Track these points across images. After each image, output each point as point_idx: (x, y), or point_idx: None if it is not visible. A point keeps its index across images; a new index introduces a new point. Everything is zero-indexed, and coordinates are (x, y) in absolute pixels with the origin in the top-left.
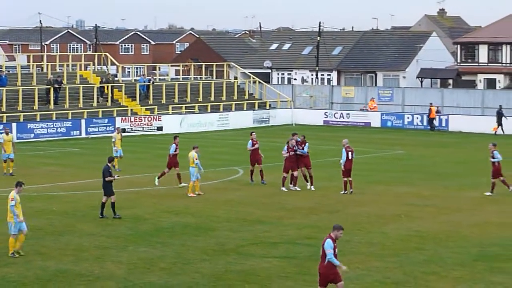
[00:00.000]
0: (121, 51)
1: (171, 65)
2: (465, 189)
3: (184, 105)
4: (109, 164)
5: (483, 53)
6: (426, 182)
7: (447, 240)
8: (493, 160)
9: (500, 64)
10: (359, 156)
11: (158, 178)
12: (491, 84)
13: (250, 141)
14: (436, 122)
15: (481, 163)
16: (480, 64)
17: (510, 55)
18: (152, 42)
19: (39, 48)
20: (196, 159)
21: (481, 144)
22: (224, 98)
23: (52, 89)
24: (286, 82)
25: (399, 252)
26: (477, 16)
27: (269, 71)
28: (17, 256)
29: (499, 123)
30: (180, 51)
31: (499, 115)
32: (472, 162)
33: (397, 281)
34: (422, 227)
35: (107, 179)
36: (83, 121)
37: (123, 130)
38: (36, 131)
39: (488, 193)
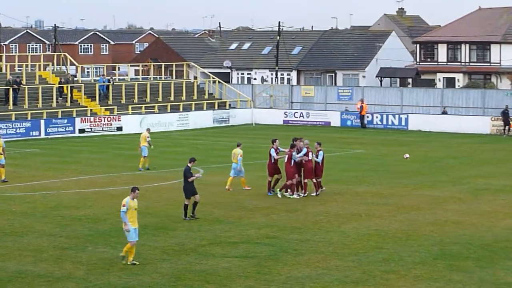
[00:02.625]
0: (81, 51)
1: (131, 65)
2: (424, 187)
3: (143, 105)
4: (190, 165)
5: (442, 52)
6: (385, 181)
7: (406, 239)
8: (316, 159)
9: (459, 63)
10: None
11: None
12: (450, 83)
13: (273, 149)
14: (397, 120)
15: (440, 161)
16: (439, 63)
17: (469, 54)
18: (112, 42)
19: None
20: (241, 156)
21: (440, 143)
22: (183, 98)
23: (11, 90)
24: (246, 81)
25: (359, 251)
26: (436, 16)
27: (229, 70)
28: (137, 263)
29: (507, 123)
30: (140, 51)
31: (505, 114)
32: (431, 160)
33: (357, 280)
34: (382, 226)
35: (189, 179)
36: (42, 122)
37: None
38: None
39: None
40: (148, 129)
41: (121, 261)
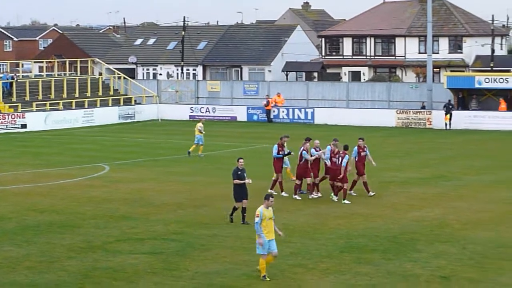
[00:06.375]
0: None
1: (35, 62)
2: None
3: (48, 102)
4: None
5: (347, 46)
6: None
7: (314, 232)
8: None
9: (364, 57)
10: (226, 150)
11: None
12: (355, 76)
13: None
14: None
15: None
16: (345, 57)
17: (374, 47)
18: (15, 39)
19: None
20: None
21: (346, 137)
22: (89, 94)
23: None
24: (151, 77)
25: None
26: (341, 10)
27: (134, 66)
28: (268, 279)
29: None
30: (44, 47)
31: (447, 108)
32: None
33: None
34: (289, 220)
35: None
36: None
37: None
38: None
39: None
40: (201, 120)
41: (265, 280)
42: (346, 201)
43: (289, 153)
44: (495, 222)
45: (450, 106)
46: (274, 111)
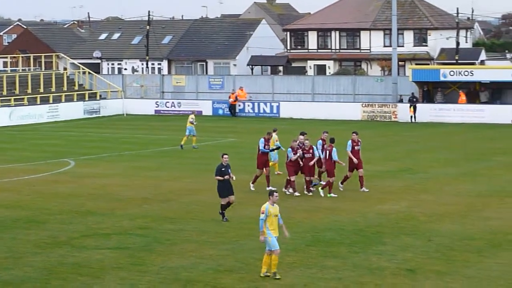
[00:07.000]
0: None
1: None
2: (300, 175)
3: (13, 97)
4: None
5: (312, 39)
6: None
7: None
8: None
9: (329, 50)
10: (187, 145)
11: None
12: (321, 70)
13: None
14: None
15: None
16: (310, 51)
17: (339, 41)
18: None
19: None
20: (277, 141)
21: (311, 131)
22: (53, 89)
23: None
24: (116, 72)
25: (232, 240)
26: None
27: (99, 61)
28: (270, 275)
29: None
30: (8, 42)
31: (412, 101)
32: None
33: (230, 269)
34: (255, 213)
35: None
36: None
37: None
38: None
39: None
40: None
41: (274, 277)
42: (332, 195)
43: (277, 148)
44: (461, 214)
45: (414, 99)
46: (239, 105)
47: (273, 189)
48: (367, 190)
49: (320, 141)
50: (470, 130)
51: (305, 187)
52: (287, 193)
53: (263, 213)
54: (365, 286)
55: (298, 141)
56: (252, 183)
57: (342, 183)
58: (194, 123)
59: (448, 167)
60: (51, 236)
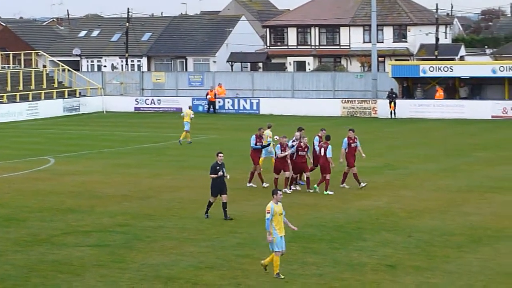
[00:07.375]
0: None
1: None
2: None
3: None
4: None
5: (292, 36)
6: (239, 165)
7: (260, 223)
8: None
9: (309, 47)
10: (172, 141)
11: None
12: (301, 66)
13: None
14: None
15: None
16: (290, 47)
17: (319, 37)
18: None
19: None
20: (270, 137)
21: (290, 127)
22: (33, 87)
23: None
24: (96, 69)
25: (213, 237)
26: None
27: (79, 58)
28: (282, 277)
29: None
30: None
31: (391, 97)
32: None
33: (211, 265)
34: (236, 210)
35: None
36: None
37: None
38: None
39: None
40: (190, 106)
41: (264, 271)
42: (329, 192)
43: (268, 145)
44: (441, 210)
45: (394, 95)
46: (219, 102)
47: (278, 188)
48: (348, 186)
49: (317, 137)
50: (450, 125)
51: (305, 184)
52: (288, 192)
53: (268, 212)
54: (345, 282)
55: (295, 137)
56: (249, 182)
57: (343, 182)
58: (192, 116)
59: (428, 162)
60: (31, 234)
